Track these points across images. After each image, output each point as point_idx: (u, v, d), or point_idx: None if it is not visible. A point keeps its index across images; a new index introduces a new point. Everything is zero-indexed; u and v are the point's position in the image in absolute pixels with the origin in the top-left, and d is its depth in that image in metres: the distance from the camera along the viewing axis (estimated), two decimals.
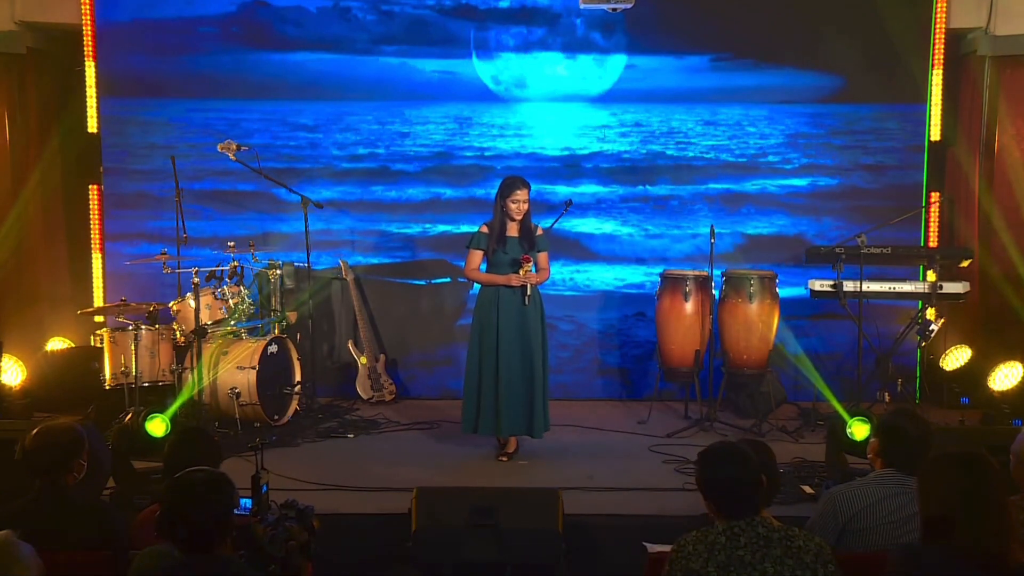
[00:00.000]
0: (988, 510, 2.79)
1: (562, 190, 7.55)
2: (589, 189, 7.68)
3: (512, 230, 5.86)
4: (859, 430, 5.05)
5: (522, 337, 5.80)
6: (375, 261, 7.79)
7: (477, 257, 5.92)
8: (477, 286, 6.06)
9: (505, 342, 5.80)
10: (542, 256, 5.91)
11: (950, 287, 6.67)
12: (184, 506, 2.85)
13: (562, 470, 5.73)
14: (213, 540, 2.87)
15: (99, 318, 7.27)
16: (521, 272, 5.74)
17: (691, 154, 7.73)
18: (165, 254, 6.52)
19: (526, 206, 5.82)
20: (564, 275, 7.63)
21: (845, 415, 5.25)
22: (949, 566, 2.79)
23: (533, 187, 5.96)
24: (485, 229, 5.92)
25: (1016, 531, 2.92)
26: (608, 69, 7.68)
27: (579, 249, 7.68)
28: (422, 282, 7.83)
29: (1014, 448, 3.57)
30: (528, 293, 5.76)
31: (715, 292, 6.84)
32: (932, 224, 7.59)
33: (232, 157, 6.65)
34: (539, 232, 5.92)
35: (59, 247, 7.79)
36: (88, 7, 7.48)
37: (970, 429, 5.93)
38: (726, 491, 2.96)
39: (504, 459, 5.92)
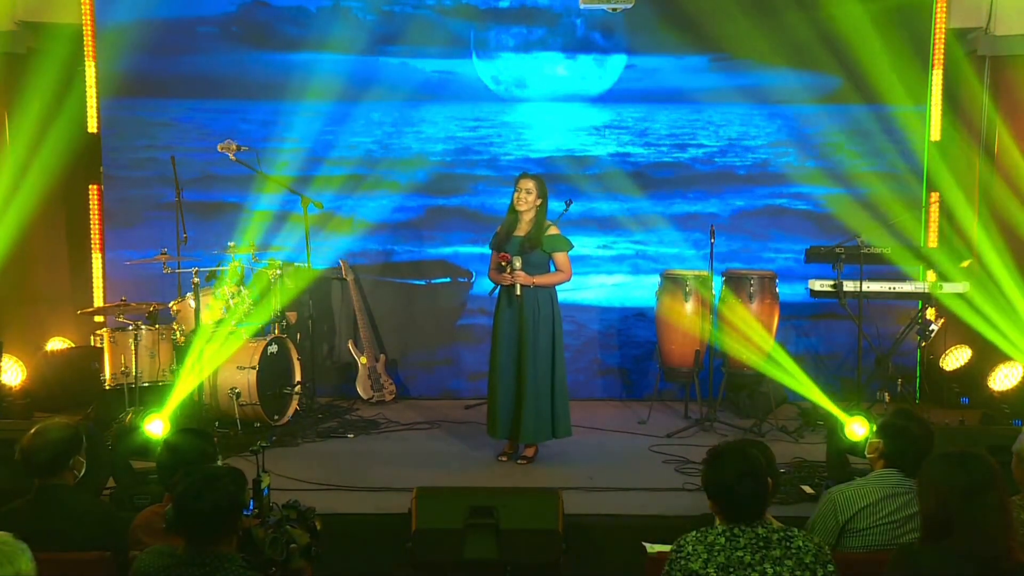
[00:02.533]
0: (988, 510, 2.79)
1: (561, 190, 7.53)
2: (589, 188, 7.67)
3: (521, 229, 5.82)
4: (858, 430, 5.04)
5: (515, 338, 5.75)
6: (375, 261, 7.79)
7: (493, 257, 5.92)
8: (486, 285, 6.04)
9: (502, 344, 5.79)
10: (558, 257, 5.81)
11: (950, 287, 6.67)
12: (199, 493, 2.86)
13: (562, 470, 5.73)
14: (221, 532, 2.88)
15: (99, 318, 7.27)
16: (507, 271, 5.70)
17: (691, 154, 7.73)
18: (165, 254, 6.52)
19: (530, 197, 5.74)
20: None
21: (841, 415, 5.24)
22: (949, 566, 2.79)
23: None
24: (500, 229, 5.92)
25: (1017, 531, 2.92)
26: (608, 69, 7.68)
27: (576, 250, 7.64)
28: (422, 282, 7.83)
29: (1016, 448, 3.57)
30: (517, 292, 5.67)
31: (715, 292, 6.84)
32: (932, 224, 7.59)
33: (232, 157, 6.64)
34: (551, 231, 5.79)
35: (59, 247, 7.79)
36: (88, 7, 7.49)
37: (970, 429, 5.93)
38: (732, 496, 2.94)
39: (503, 459, 5.94)
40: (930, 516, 2.90)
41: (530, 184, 5.76)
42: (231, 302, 6.61)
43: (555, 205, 6.02)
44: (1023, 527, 3.17)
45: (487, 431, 5.95)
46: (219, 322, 6.58)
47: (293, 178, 7.40)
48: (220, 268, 6.67)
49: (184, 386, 6.11)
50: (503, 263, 5.68)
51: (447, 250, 7.77)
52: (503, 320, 5.80)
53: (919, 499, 2.98)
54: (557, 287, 5.88)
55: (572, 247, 5.89)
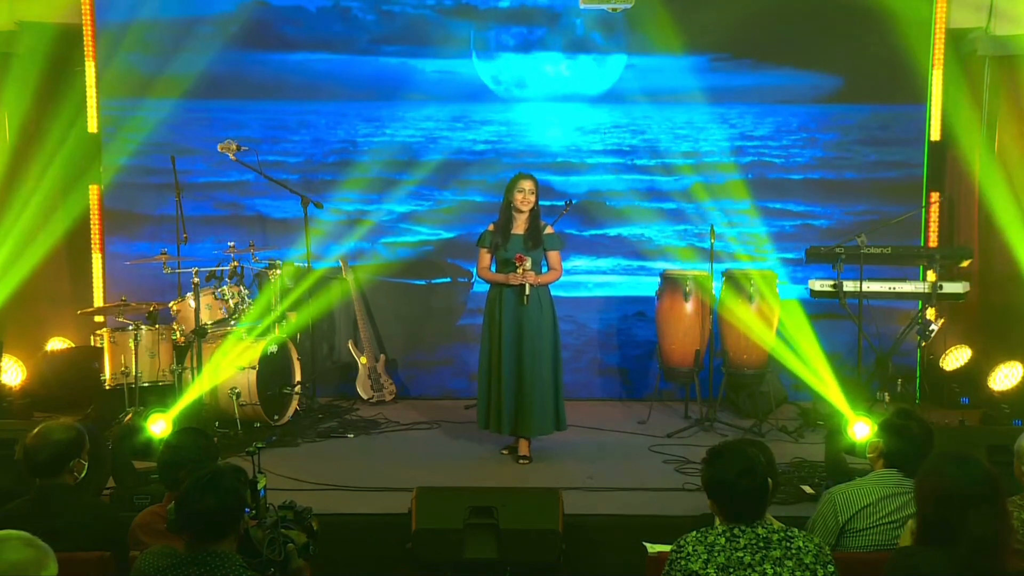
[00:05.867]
0: (986, 522, 2.78)
1: (561, 190, 7.54)
2: (589, 189, 7.67)
3: (518, 228, 5.88)
4: (862, 430, 5.04)
5: (521, 336, 5.79)
6: (375, 261, 7.78)
7: (484, 256, 5.96)
8: (484, 285, 6.07)
9: (506, 341, 5.81)
10: (553, 255, 5.93)
11: (950, 287, 6.67)
12: (204, 490, 2.87)
13: (562, 470, 5.74)
14: (223, 531, 2.88)
15: (99, 318, 7.27)
16: (519, 271, 5.74)
17: (691, 154, 7.71)
18: (165, 254, 6.52)
19: (532, 197, 5.81)
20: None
21: (848, 412, 5.24)
22: (947, 567, 2.79)
23: None
24: (492, 227, 5.96)
25: (1016, 533, 2.92)
26: (608, 69, 7.68)
27: (576, 251, 7.67)
28: (422, 282, 7.83)
29: (1016, 447, 3.56)
30: (526, 292, 5.73)
31: (715, 292, 6.84)
32: (932, 224, 7.59)
33: (232, 157, 6.64)
34: (548, 231, 5.91)
35: (59, 247, 7.79)
36: (88, 7, 7.49)
37: (970, 429, 5.93)
38: (732, 495, 2.94)
39: (505, 452, 6.01)
40: (927, 520, 2.90)
41: (531, 184, 5.84)
42: (230, 302, 6.61)
43: (556, 190, 6.00)
44: (1023, 526, 3.17)
45: (483, 424, 5.95)
46: (218, 322, 6.58)
47: (292, 176, 7.40)
48: (219, 268, 6.66)
49: (199, 387, 6.11)
50: (517, 264, 5.72)
51: (446, 249, 7.76)
52: (507, 317, 5.82)
53: (916, 503, 2.98)
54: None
55: (565, 245, 6.09)
